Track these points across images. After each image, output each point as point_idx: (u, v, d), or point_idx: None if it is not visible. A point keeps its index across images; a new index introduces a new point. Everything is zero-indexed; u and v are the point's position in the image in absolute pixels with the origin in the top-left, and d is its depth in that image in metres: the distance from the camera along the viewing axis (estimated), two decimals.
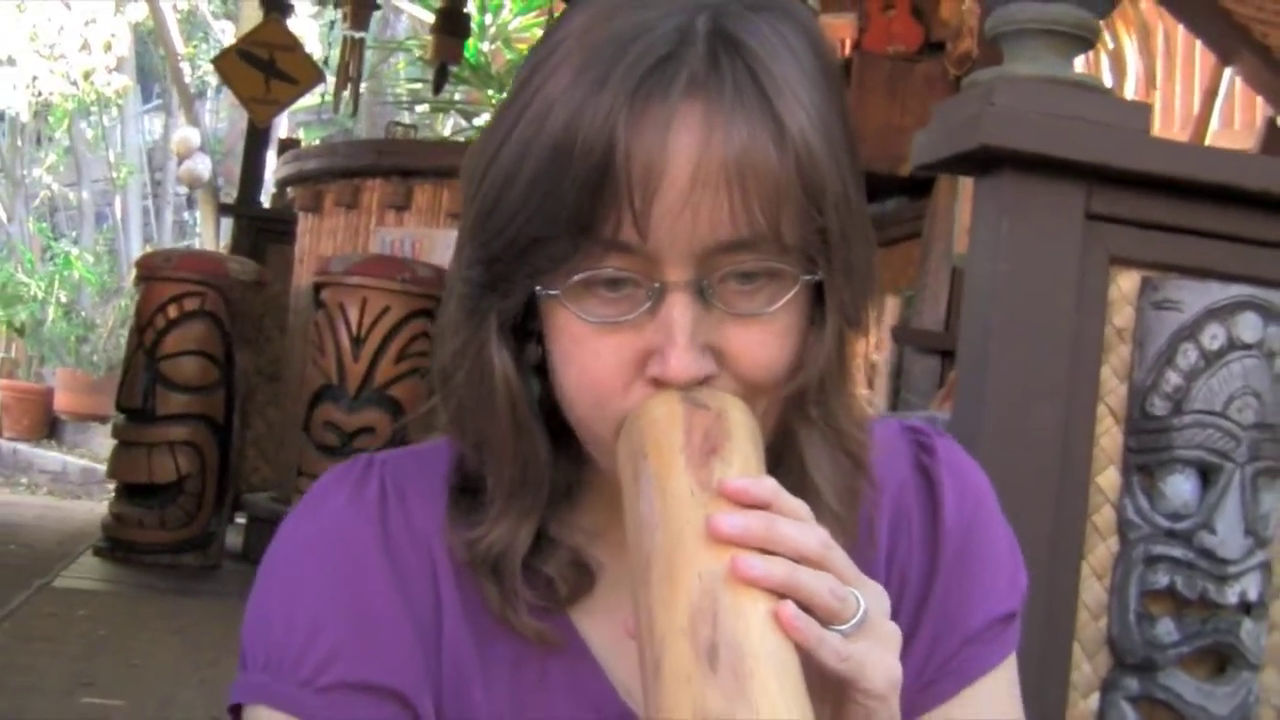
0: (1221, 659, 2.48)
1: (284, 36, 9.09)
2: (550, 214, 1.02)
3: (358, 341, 5.83)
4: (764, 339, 1.05)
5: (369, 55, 10.29)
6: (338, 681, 1.09)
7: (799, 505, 0.98)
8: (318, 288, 6.07)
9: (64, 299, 14.90)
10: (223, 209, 9.87)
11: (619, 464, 1.05)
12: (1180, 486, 2.45)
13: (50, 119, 16.71)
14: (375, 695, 1.09)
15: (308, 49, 9.64)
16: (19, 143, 16.74)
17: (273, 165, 9.23)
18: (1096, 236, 2.43)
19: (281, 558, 1.15)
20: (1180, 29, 5.86)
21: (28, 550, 6.76)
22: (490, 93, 10.38)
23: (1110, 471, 2.48)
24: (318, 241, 6.82)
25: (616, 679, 1.14)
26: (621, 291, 1.04)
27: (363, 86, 10.15)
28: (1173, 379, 2.44)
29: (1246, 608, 2.47)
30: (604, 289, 1.05)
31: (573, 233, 1.02)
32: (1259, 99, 5.37)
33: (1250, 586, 2.46)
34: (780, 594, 0.92)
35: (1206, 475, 2.45)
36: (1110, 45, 6.22)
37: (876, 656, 0.96)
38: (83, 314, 14.81)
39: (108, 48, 15.93)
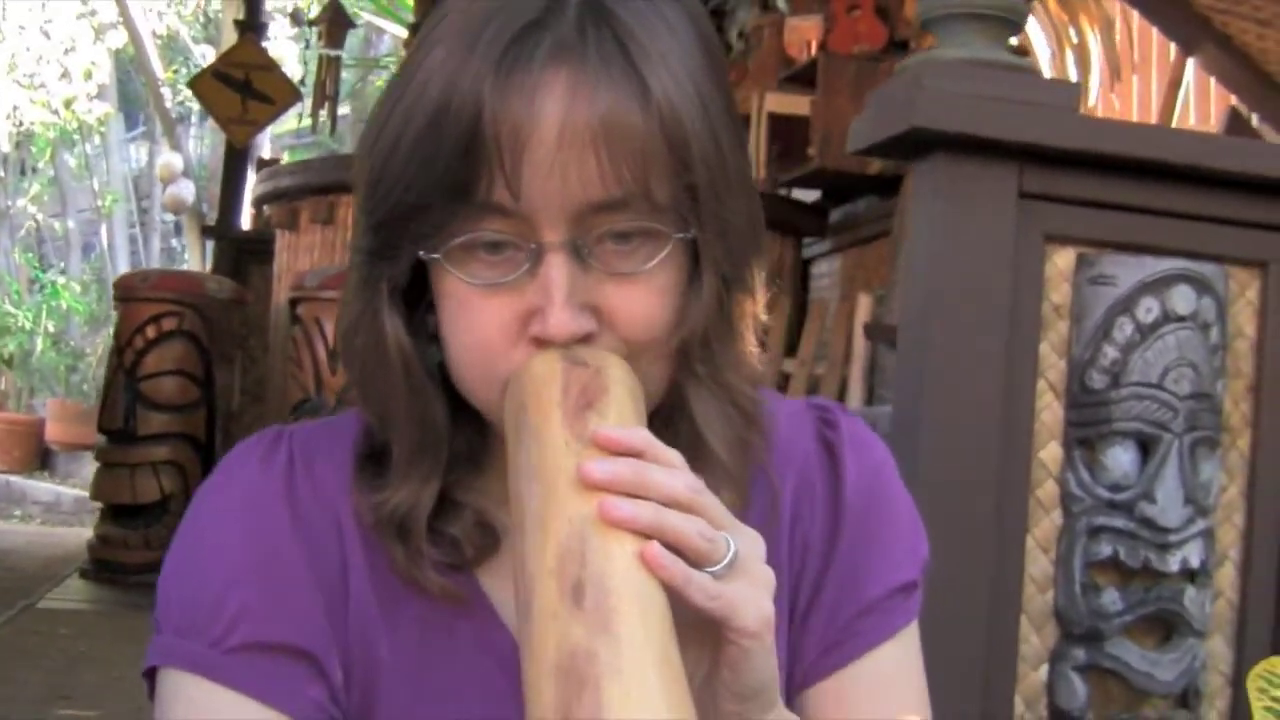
0: (1168, 627, 2.52)
1: (259, 57, 9.15)
2: (427, 180, 1.06)
3: (335, 355, 5.86)
4: (642, 297, 1.08)
5: (350, 74, 10.32)
6: (245, 642, 1.12)
7: (672, 454, 1.01)
8: (293, 303, 6.09)
9: (52, 329, 14.92)
10: (204, 231, 9.90)
11: (505, 421, 1.08)
12: (1120, 458, 2.49)
13: (33, 149, 16.74)
14: (282, 654, 1.12)
15: (288, 70, 9.67)
16: (2, 173, 16.77)
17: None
18: (1030, 215, 2.47)
19: (192, 525, 1.18)
20: (1143, 22, 5.91)
21: (14, 574, 6.78)
22: None
23: (1052, 446, 2.52)
24: (295, 258, 6.84)
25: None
26: (502, 254, 1.07)
27: (346, 106, 10.18)
28: (1110, 353, 2.48)
29: (1190, 575, 2.52)
30: (485, 252, 1.08)
31: (449, 197, 1.06)
32: (1223, 89, 5.42)
33: (1192, 554, 2.50)
34: (648, 536, 0.95)
35: (1145, 446, 2.49)
36: (1074, 40, 6.26)
37: (748, 596, 0.98)
38: (71, 344, 14.83)
39: (88, 75, 15.97)
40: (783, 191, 6.51)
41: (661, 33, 1.08)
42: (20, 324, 14.93)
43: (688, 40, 1.10)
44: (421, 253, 1.09)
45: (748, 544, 1.01)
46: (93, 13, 15.90)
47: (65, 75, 15.94)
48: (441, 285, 1.11)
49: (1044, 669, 2.51)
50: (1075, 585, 2.48)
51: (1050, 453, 2.52)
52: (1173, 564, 2.48)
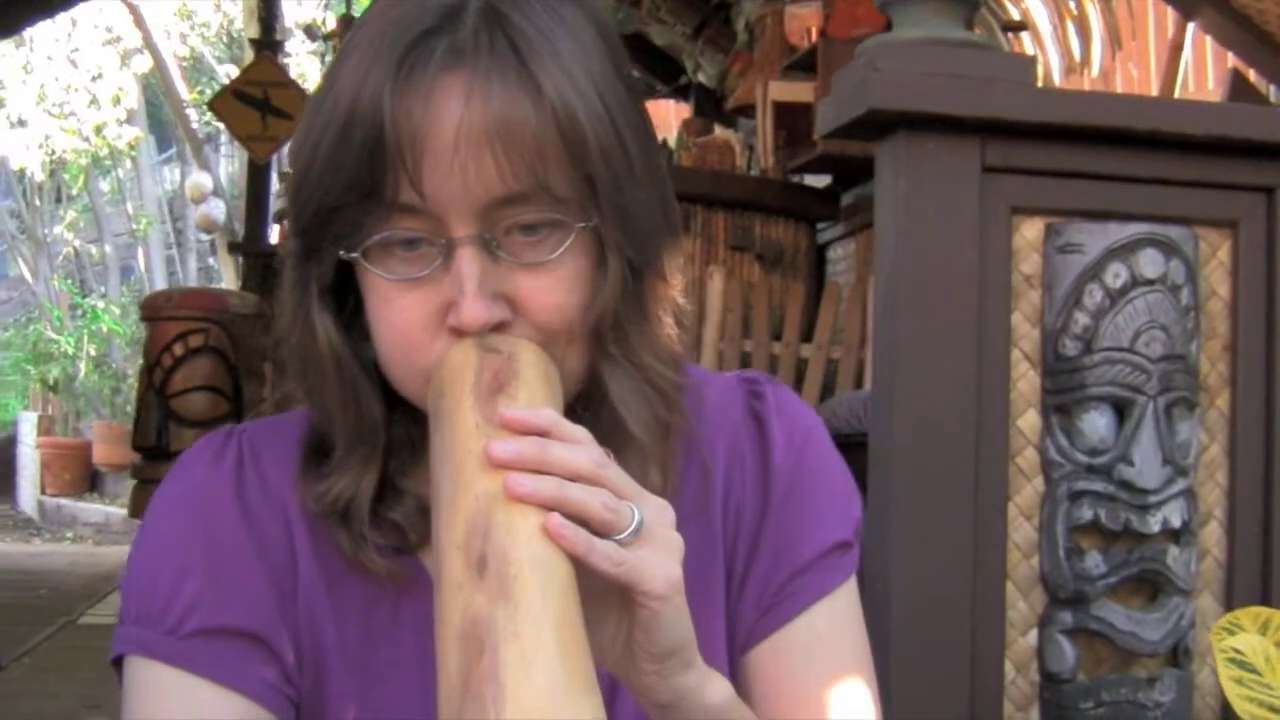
0: (1153, 587, 2.55)
1: (277, 74, 9.22)
2: (340, 183, 1.12)
3: None
4: (551, 285, 1.14)
5: None
6: (198, 628, 1.19)
7: (579, 431, 1.06)
8: None
9: (94, 353, 15.09)
10: (231, 248, 9.99)
11: (429, 409, 1.14)
12: (1096, 423, 2.52)
13: (66, 176, 16.92)
14: (233, 638, 1.19)
15: (312, 85, 9.74)
16: (38, 202, 16.96)
17: None
18: (995, 188, 2.51)
19: (149, 520, 1.26)
20: None
21: (57, 593, 6.89)
22: None
23: (1030, 414, 2.56)
24: None
25: None
26: (417, 250, 1.14)
27: None
28: (1081, 319, 2.52)
29: (1173, 535, 2.55)
30: (401, 249, 1.14)
31: (361, 199, 1.12)
32: (1224, 53, 5.42)
33: (1173, 514, 2.53)
34: (552, 509, 1.01)
35: (1121, 410, 2.53)
36: (1074, 11, 6.28)
37: (654, 561, 1.03)
38: (114, 366, 14.99)
39: (116, 101, 16.12)
40: (795, 179, 6.54)
41: (559, 34, 1.14)
42: (63, 349, 15.10)
43: (588, 40, 1.16)
44: (342, 252, 1.16)
45: (654, 512, 1.06)
46: (117, 39, 16.06)
47: (94, 102, 16.12)
48: (365, 283, 1.17)
49: (1033, 634, 2.54)
50: (1059, 550, 2.52)
51: (1028, 421, 2.56)
52: (1154, 525, 2.51)
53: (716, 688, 1.12)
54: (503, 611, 0.95)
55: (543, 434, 1.05)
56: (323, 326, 1.20)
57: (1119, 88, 6.00)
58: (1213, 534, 2.67)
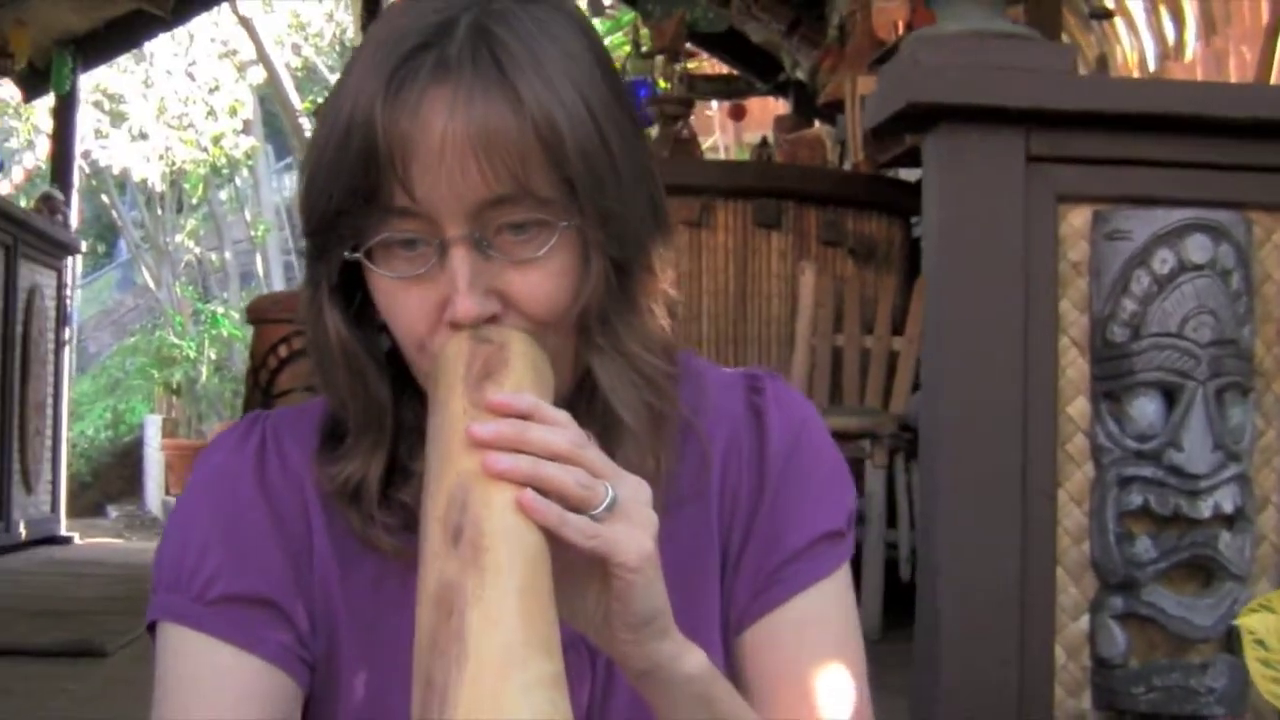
0: (1206, 573, 2.56)
1: None
2: (341, 188, 1.21)
3: None
4: (540, 280, 1.21)
5: None
6: (220, 595, 1.28)
7: (559, 415, 1.13)
8: None
9: (214, 357, 15.40)
10: None
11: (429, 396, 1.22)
12: (1145, 408, 2.53)
13: (186, 186, 17.26)
14: (251, 604, 1.28)
15: None
16: (159, 212, 17.31)
17: None
18: (1040, 177, 2.54)
19: (182, 499, 1.36)
20: None
21: None
22: None
23: (1079, 400, 2.58)
24: None
25: None
26: (415, 250, 1.21)
27: None
28: (1129, 306, 2.53)
29: (1226, 520, 2.55)
30: (401, 249, 1.22)
31: (360, 203, 1.21)
32: None
33: (1225, 500, 2.54)
34: (528, 485, 1.07)
35: (1170, 395, 2.54)
36: None
37: (627, 535, 1.09)
38: (233, 370, 15.27)
39: (233, 112, 16.43)
40: (887, 172, 6.55)
41: (544, 46, 1.21)
42: (185, 354, 15.42)
43: (575, 51, 1.23)
44: (346, 253, 1.23)
45: (630, 490, 1.12)
46: (233, 52, 16.36)
47: (212, 114, 16.42)
48: (372, 281, 1.25)
49: (1084, 619, 2.56)
50: (1109, 535, 2.54)
51: (1078, 407, 2.57)
52: (1205, 510, 2.52)
53: (694, 659, 1.18)
54: (472, 578, 1.02)
55: (524, 417, 1.11)
56: (332, 321, 1.28)
57: (1215, 74, 5.95)
58: (1270, 519, 2.67)
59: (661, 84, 7.79)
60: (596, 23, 11.80)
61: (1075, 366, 2.57)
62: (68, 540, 8.38)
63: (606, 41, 8.80)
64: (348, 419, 1.31)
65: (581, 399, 1.26)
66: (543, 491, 1.07)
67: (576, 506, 1.08)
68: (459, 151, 1.16)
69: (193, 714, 1.27)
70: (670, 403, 1.31)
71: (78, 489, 13.19)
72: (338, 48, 17.49)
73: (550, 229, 1.20)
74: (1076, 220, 2.58)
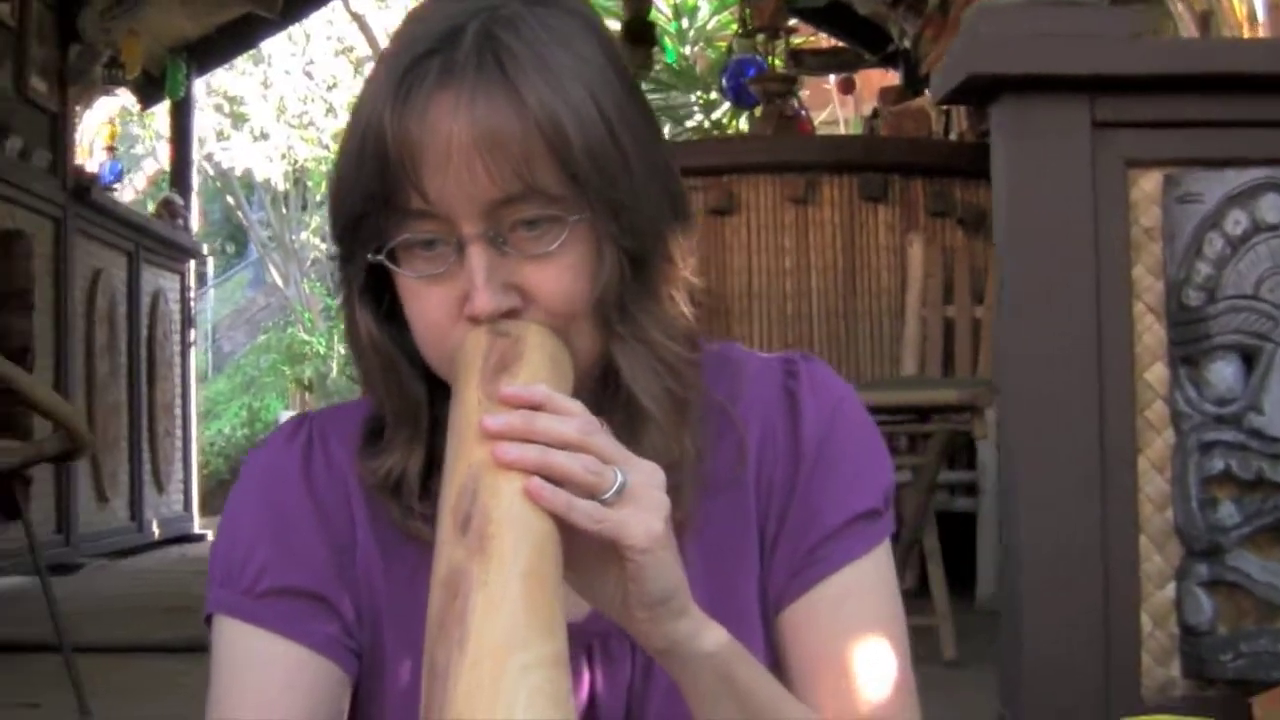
0: None
1: None
2: (360, 193, 1.25)
3: None
4: (555, 273, 1.24)
5: None
6: (268, 588, 1.33)
7: (571, 404, 1.16)
8: None
9: (343, 352, 15.64)
10: None
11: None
12: (1223, 372, 2.51)
13: (309, 184, 17.52)
14: (298, 597, 1.33)
15: None
16: (284, 210, 17.60)
17: None
18: (1107, 143, 2.52)
19: (233, 496, 1.41)
20: None
21: None
22: (697, 94, 10.61)
23: (1157, 367, 2.56)
24: None
25: None
26: (435, 250, 1.25)
27: None
28: (1203, 269, 2.51)
29: None
30: (421, 250, 1.26)
31: (378, 207, 1.25)
32: None
33: None
34: (536, 473, 1.10)
35: (1249, 358, 2.51)
36: None
37: (636, 518, 1.12)
38: None
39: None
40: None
41: (551, 48, 1.24)
42: (315, 350, 15.68)
43: (585, 50, 1.26)
44: (370, 255, 1.27)
45: (641, 475, 1.15)
46: (349, 49, 16.58)
47: (331, 111, 16.68)
48: (397, 281, 1.29)
49: (1170, 586, 2.55)
50: (1192, 502, 2.52)
51: (1156, 373, 2.56)
52: None
53: (712, 637, 1.20)
54: (477, 564, 1.05)
55: (536, 407, 1.15)
56: (363, 321, 1.33)
57: None
58: None
59: (774, 61, 7.79)
60: (704, 4, 11.81)
61: (1151, 332, 2.56)
62: (200, 538, 8.58)
63: (713, 22, 8.82)
64: (386, 415, 1.36)
65: (606, 387, 1.29)
66: (552, 479, 1.10)
67: (585, 492, 1.11)
68: (465, 153, 1.19)
69: (243, 702, 1.32)
70: (693, 388, 1.33)
71: (215, 487, 13.45)
72: None
73: (562, 224, 1.23)
74: (1147, 185, 2.56)
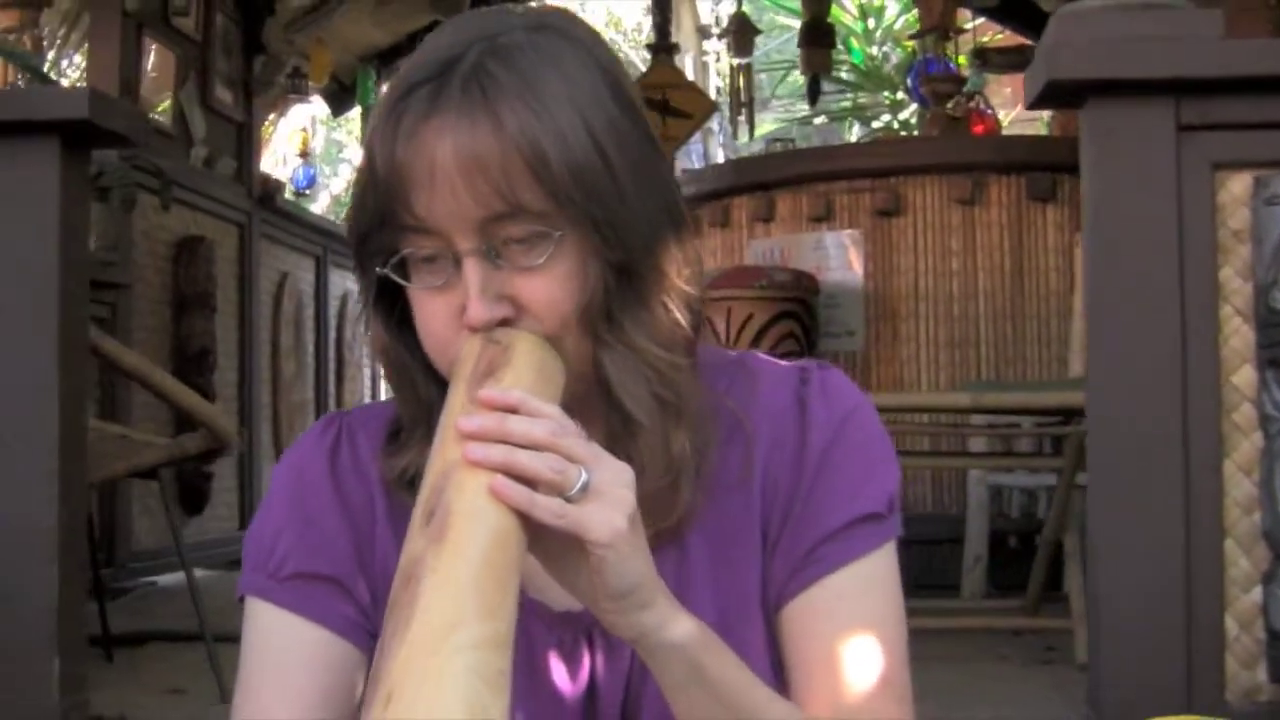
0: None
1: (673, 75, 9.57)
2: (364, 212, 1.36)
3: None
4: (545, 285, 1.33)
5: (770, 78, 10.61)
6: (292, 572, 1.45)
7: (545, 407, 1.24)
8: None
9: None
10: None
11: None
12: None
13: None
14: (318, 580, 1.45)
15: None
16: None
17: None
18: (1193, 146, 2.52)
19: (269, 489, 1.54)
20: None
21: None
22: (885, 94, 10.60)
23: (1245, 370, 2.55)
24: (702, 262, 7.12)
25: (525, 574, 1.39)
26: (435, 264, 1.35)
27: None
28: None
29: None
30: (424, 264, 1.36)
31: (379, 225, 1.35)
32: None
33: None
34: (503, 472, 1.19)
35: None
36: None
37: (598, 515, 1.20)
38: None
39: None
40: None
41: (541, 72, 1.33)
42: None
43: (576, 74, 1.34)
44: (378, 269, 1.37)
45: (607, 474, 1.23)
46: None
47: None
48: (408, 292, 1.38)
49: (1256, 590, 2.53)
50: (1279, 506, 2.50)
51: (1243, 376, 2.55)
52: None
53: (680, 628, 1.27)
54: (432, 552, 1.14)
55: (511, 409, 1.23)
56: (375, 329, 1.43)
57: None
58: None
59: (959, 61, 7.77)
60: (892, 3, 11.76)
61: (1239, 335, 2.55)
62: None
63: (900, 22, 8.79)
64: (402, 416, 1.46)
65: (599, 392, 1.37)
66: (518, 477, 1.18)
67: (551, 490, 1.19)
68: (448, 175, 1.28)
69: (265, 677, 1.44)
70: (686, 394, 1.40)
71: None
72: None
73: (548, 239, 1.31)
74: (1236, 187, 2.55)
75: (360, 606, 1.45)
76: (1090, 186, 2.57)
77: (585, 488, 1.20)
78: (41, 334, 2.90)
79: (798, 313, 5.94)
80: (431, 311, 1.35)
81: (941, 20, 6.89)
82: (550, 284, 1.32)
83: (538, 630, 1.42)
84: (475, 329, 1.31)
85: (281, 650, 1.44)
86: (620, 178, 1.33)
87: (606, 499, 1.21)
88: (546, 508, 1.18)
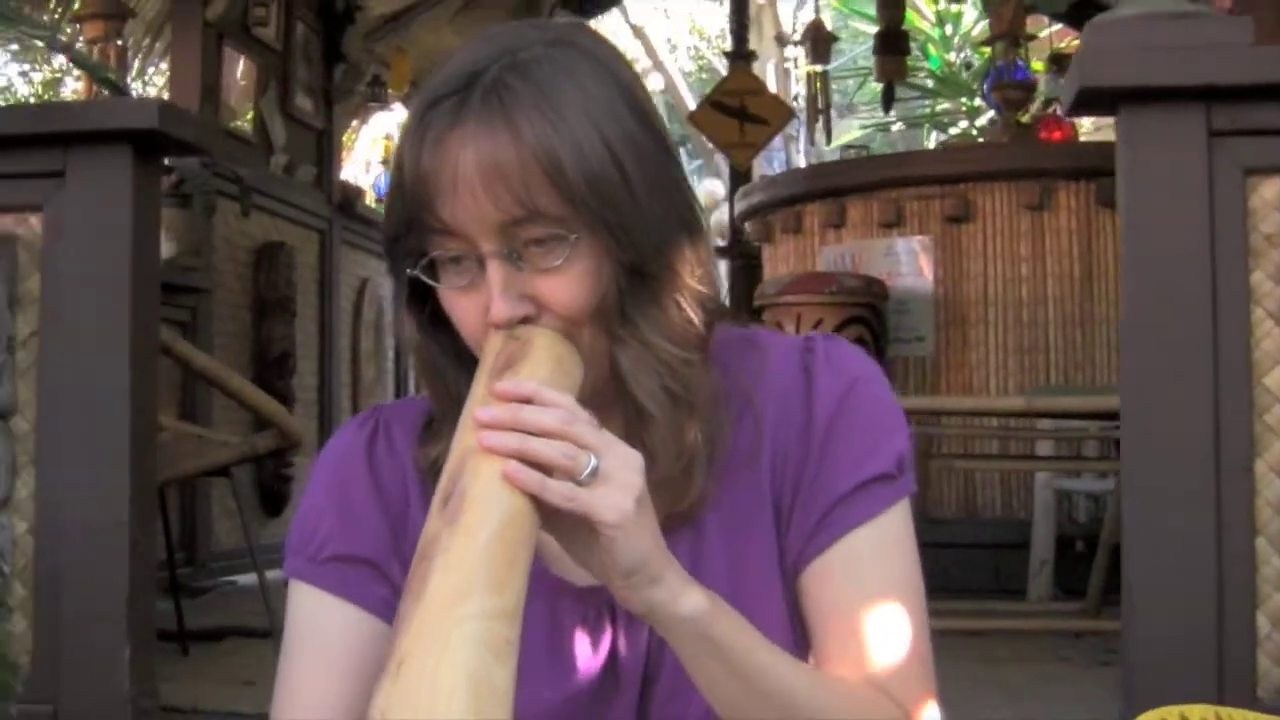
0: None
1: (751, 82, 9.65)
2: (395, 217, 1.45)
3: None
4: (563, 284, 1.41)
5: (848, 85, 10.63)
6: (330, 556, 1.54)
7: (558, 398, 1.32)
8: (758, 310, 6.46)
9: None
10: (718, 251, 10.43)
11: None
12: None
13: None
14: (355, 563, 1.54)
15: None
16: None
17: None
18: (1224, 151, 2.57)
19: (311, 477, 1.63)
20: None
21: None
22: (963, 100, 10.61)
23: (1277, 372, 2.59)
24: (774, 268, 7.16)
25: (550, 554, 1.49)
26: (463, 266, 1.43)
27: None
28: None
29: None
30: (451, 265, 1.44)
31: (408, 229, 1.44)
32: None
33: None
34: (516, 458, 1.27)
35: None
36: None
37: (606, 498, 1.27)
38: None
39: None
40: None
41: (559, 85, 1.40)
42: None
43: (592, 86, 1.42)
44: (408, 270, 1.46)
45: (616, 460, 1.30)
46: (632, 60, 16.92)
47: None
48: (438, 291, 1.47)
49: None
50: None
51: (1275, 378, 2.59)
52: None
53: (690, 602, 1.34)
54: (448, 532, 1.23)
55: (525, 400, 1.31)
56: (409, 326, 1.52)
57: None
58: None
59: (1035, 66, 7.78)
60: (969, 10, 11.75)
61: (1271, 338, 2.59)
62: None
63: (978, 28, 8.73)
64: (434, 408, 1.54)
65: (616, 385, 1.45)
66: (531, 463, 1.26)
67: (563, 475, 1.27)
68: (469, 183, 1.37)
69: (304, 654, 1.53)
70: (696, 387, 1.47)
71: None
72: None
73: (565, 242, 1.39)
74: (1268, 192, 2.59)
75: (394, 587, 1.50)
76: (1124, 191, 2.63)
77: (595, 472, 1.27)
78: (114, 337, 3.02)
79: (867, 318, 5.98)
80: (463, 309, 1.42)
81: (1011, 27, 6.90)
82: (568, 283, 1.39)
83: (563, 606, 1.50)
84: (498, 326, 1.39)
85: (320, 628, 1.53)
86: (634, 184, 1.40)
87: (614, 483, 1.28)
88: (557, 491, 1.26)
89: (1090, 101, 2.62)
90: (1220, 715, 1.72)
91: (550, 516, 1.27)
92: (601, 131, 1.39)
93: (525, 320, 1.40)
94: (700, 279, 1.48)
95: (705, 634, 1.34)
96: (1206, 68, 2.52)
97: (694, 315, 1.46)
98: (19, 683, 3.07)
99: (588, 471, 1.27)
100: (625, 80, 1.45)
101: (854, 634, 1.44)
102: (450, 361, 1.50)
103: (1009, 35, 6.93)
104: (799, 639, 1.48)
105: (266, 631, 4.08)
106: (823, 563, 1.47)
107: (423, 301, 1.50)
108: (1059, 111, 7.35)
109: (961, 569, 5.59)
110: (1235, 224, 2.57)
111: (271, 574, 4.59)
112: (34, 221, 3.15)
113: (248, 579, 6.03)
